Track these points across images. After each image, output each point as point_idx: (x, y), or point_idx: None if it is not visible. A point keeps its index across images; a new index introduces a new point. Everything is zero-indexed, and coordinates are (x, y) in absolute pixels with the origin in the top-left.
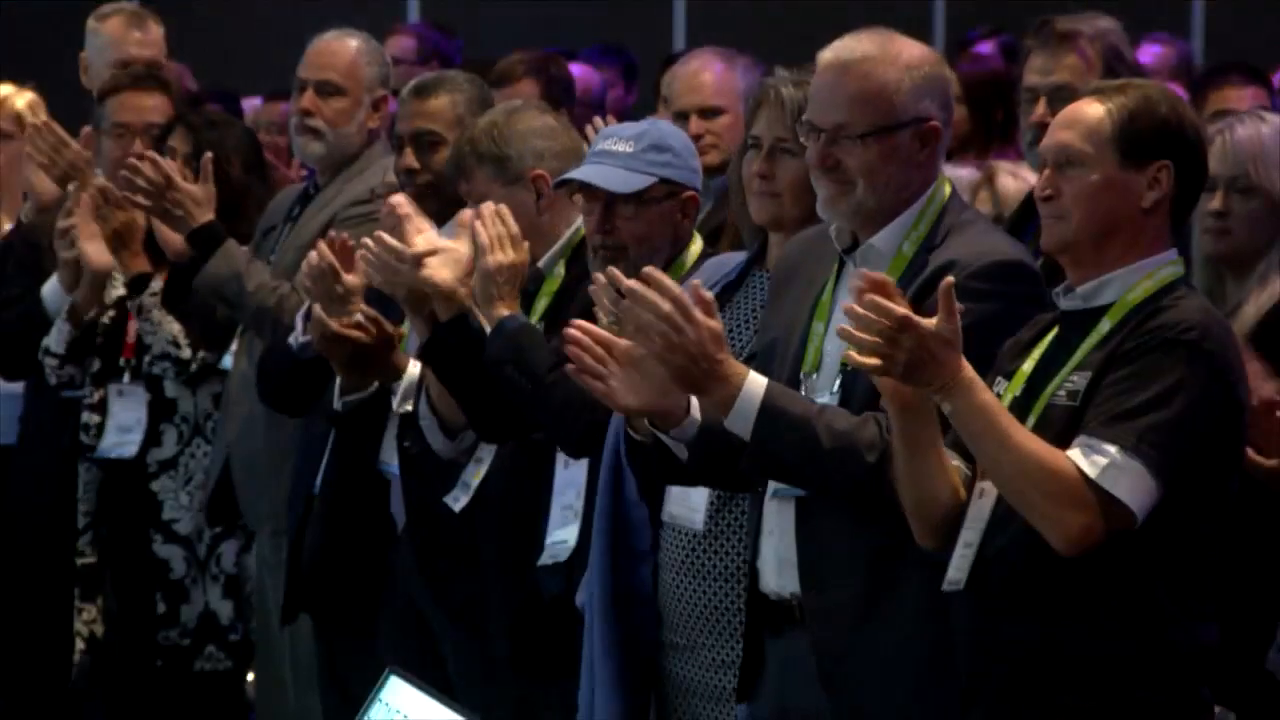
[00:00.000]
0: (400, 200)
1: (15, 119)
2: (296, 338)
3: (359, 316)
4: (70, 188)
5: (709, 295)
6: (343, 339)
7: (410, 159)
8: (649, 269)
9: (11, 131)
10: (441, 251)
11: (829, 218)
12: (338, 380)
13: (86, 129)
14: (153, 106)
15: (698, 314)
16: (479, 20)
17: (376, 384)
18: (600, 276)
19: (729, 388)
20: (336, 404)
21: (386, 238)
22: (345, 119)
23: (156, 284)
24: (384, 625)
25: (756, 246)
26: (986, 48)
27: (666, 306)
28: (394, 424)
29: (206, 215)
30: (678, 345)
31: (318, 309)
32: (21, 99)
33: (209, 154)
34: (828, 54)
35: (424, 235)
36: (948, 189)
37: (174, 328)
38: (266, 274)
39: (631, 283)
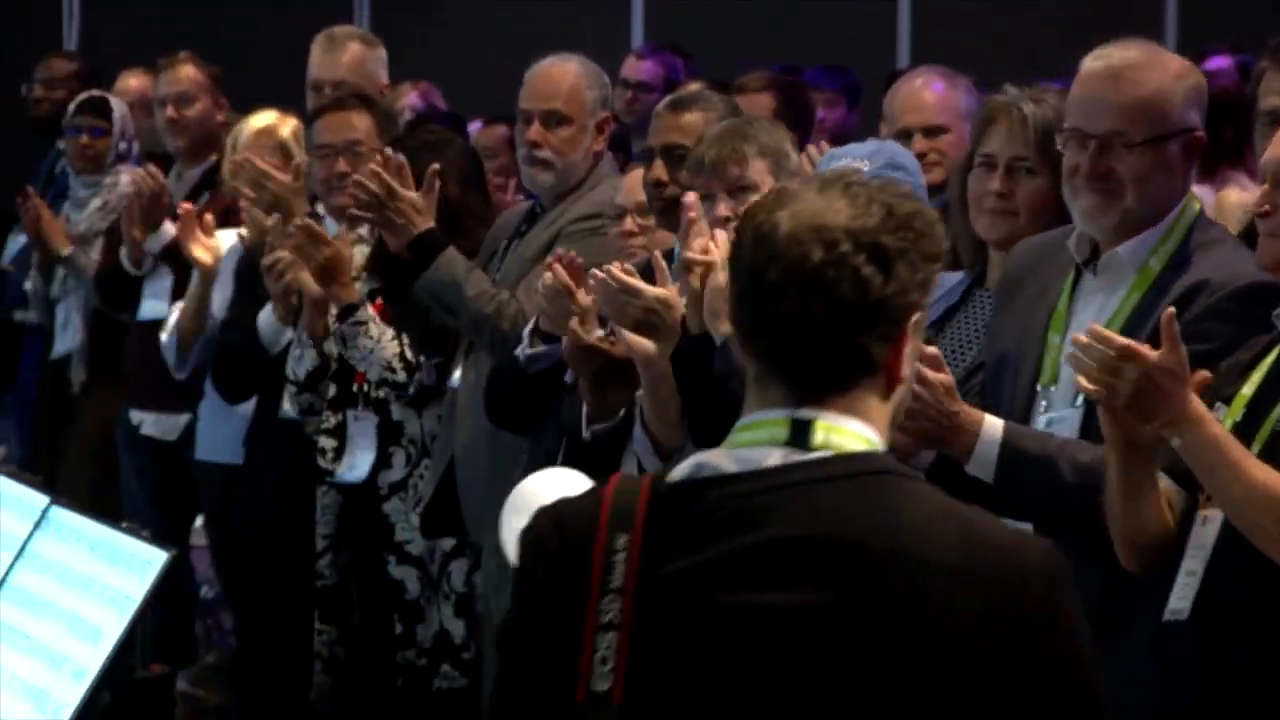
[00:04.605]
0: (693, 199)
1: (280, 148)
2: (523, 351)
3: (598, 333)
4: (272, 220)
5: (934, 350)
6: (593, 351)
7: (660, 171)
8: None
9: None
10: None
11: (1091, 228)
12: (584, 409)
13: (296, 161)
14: (353, 125)
15: (928, 373)
16: (703, 40)
17: (623, 412)
18: None
19: (967, 436)
20: (585, 434)
21: (618, 273)
22: (573, 147)
23: (364, 313)
24: None
25: (979, 266)
26: (1220, 62)
27: None
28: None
29: (427, 223)
30: (914, 410)
31: (573, 322)
32: (286, 126)
33: (434, 165)
34: (1096, 62)
35: (716, 242)
36: (1197, 205)
37: (389, 352)
38: (486, 282)
39: None
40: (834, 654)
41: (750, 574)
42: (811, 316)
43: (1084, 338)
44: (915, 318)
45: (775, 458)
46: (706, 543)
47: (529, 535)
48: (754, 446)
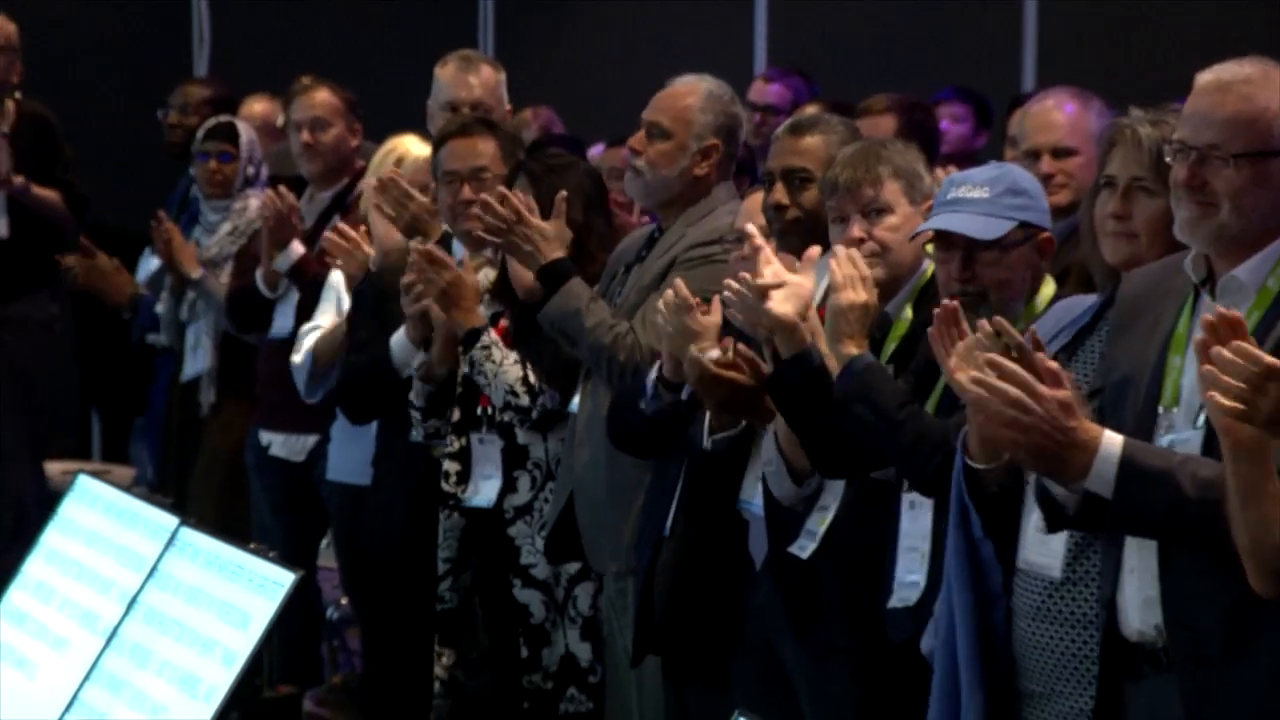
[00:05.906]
0: (754, 230)
1: (422, 168)
2: (647, 402)
3: (726, 353)
4: (413, 242)
5: (1054, 365)
6: (721, 380)
7: (780, 194)
8: (990, 356)
9: (425, 181)
10: (786, 285)
11: (1188, 240)
12: (707, 417)
13: (431, 186)
14: (479, 151)
15: (1044, 389)
16: (826, 63)
17: (745, 421)
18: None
19: (1085, 454)
20: (706, 443)
21: (749, 277)
22: (666, 163)
23: (488, 337)
24: (737, 667)
25: (1110, 289)
26: None
27: (1014, 392)
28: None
29: (556, 252)
30: (1028, 425)
31: (693, 350)
32: (425, 148)
33: (562, 192)
34: (1207, 75)
35: (771, 268)
36: None
37: (511, 377)
38: (606, 313)
39: (975, 374)
40: None
41: None
42: None
43: (1227, 353)
44: None
45: None
46: None
47: None
48: None
